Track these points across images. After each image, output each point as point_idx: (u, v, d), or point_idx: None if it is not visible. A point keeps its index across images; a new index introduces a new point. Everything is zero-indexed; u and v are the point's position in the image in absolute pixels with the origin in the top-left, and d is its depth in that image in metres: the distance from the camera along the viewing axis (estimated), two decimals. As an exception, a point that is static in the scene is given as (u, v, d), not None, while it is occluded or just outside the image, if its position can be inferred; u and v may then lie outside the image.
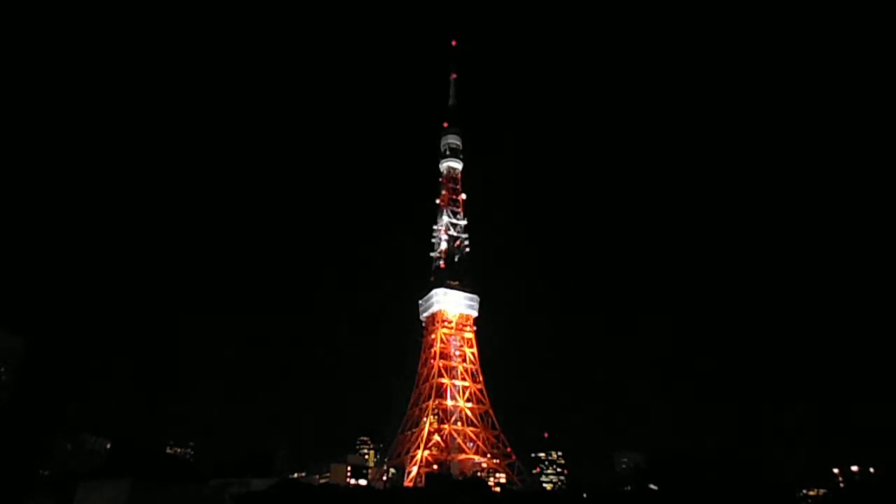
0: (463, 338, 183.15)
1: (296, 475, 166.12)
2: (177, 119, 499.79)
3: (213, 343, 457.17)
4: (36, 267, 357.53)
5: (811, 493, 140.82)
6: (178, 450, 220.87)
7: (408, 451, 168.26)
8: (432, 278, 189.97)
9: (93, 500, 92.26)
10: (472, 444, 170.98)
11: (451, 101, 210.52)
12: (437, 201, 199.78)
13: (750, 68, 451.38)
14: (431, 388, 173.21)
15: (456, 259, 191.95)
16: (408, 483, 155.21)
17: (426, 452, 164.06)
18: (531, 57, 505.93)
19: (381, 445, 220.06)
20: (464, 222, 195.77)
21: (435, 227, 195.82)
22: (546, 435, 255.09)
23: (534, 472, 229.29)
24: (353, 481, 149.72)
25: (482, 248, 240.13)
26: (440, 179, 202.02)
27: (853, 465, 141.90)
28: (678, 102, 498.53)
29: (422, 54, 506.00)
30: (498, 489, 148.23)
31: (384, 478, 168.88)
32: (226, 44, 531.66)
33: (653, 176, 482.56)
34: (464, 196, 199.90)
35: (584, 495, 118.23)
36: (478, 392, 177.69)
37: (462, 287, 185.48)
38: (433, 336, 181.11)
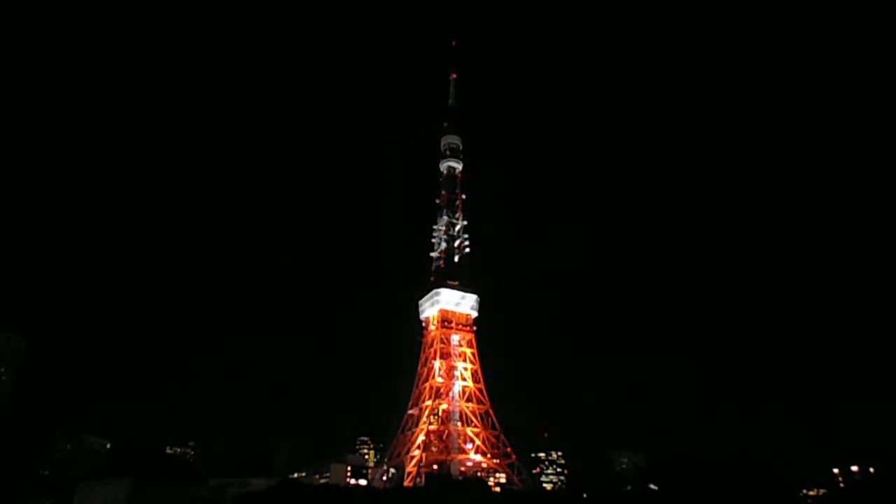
0: (463, 338, 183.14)
1: (296, 475, 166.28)
2: (178, 120, 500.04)
3: (213, 343, 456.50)
4: (36, 267, 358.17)
5: (811, 493, 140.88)
6: (178, 450, 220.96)
7: (408, 451, 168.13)
8: (432, 278, 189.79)
9: (93, 500, 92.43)
10: (472, 444, 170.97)
11: (450, 101, 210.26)
12: (437, 201, 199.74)
13: (750, 68, 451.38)
14: (431, 388, 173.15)
15: (456, 259, 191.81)
16: (408, 483, 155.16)
17: (426, 452, 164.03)
18: (531, 57, 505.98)
19: (381, 445, 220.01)
20: (464, 222, 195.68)
21: (435, 227, 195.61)
22: (546, 435, 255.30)
23: (534, 472, 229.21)
24: (353, 481, 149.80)
25: (482, 248, 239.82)
26: (440, 179, 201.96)
27: (853, 465, 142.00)
28: (679, 102, 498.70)
29: (422, 54, 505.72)
30: (498, 489, 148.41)
31: (384, 478, 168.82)
32: (225, 44, 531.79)
33: (653, 176, 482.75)
34: (464, 196, 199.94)
35: (584, 495, 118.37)
36: (478, 392, 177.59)
37: (462, 287, 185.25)
38: (433, 336, 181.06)
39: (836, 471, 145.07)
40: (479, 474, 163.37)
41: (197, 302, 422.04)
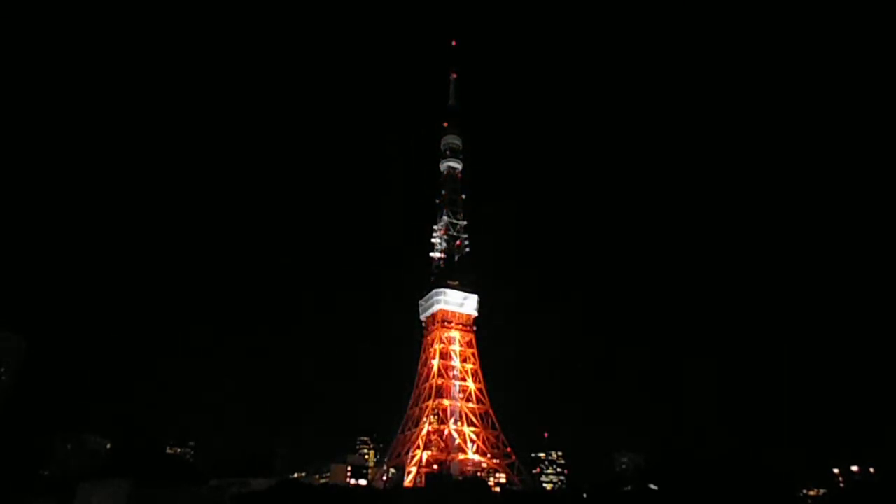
0: (463, 338, 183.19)
1: (296, 475, 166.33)
2: (179, 121, 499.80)
3: (213, 342, 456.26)
4: (36, 267, 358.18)
5: (811, 493, 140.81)
6: (178, 450, 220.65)
7: (408, 451, 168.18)
8: (432, 278, 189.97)
9: (93, 500, 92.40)
10: (472, 444, 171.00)
11: (451, 101, 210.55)
12: (437, 201, 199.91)
13: (750, 68, 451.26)
14: (431, 388, 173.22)
15: (456, 259, 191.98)
16: (408, 483, 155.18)
17: (426, 452, 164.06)
18: (531, 56, 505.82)
19: (381, 445, 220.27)
20: (464, 222, 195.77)
21: (435, 227, 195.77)
22: (546, 435, 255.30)
23: (534, 472, 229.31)
24: (353, 481, 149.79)
25: (482, 248, 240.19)
26: (440, 179, 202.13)
27: (853, 465, 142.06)
28: (679, 102, 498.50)
29: (422, 54, 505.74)
30: (498, 489, 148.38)
31: (384, 478, 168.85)
32: (226, 44, 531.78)
33: (652, 175, 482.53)
34: (464, 196, 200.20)
35: (584, 495, 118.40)
36: (478, 392, 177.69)
37: (462, 287, 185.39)
38: (433, 336, 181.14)
39: (836, 471, 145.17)
40: (479, 474, 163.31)
41: (197, 302, 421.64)
